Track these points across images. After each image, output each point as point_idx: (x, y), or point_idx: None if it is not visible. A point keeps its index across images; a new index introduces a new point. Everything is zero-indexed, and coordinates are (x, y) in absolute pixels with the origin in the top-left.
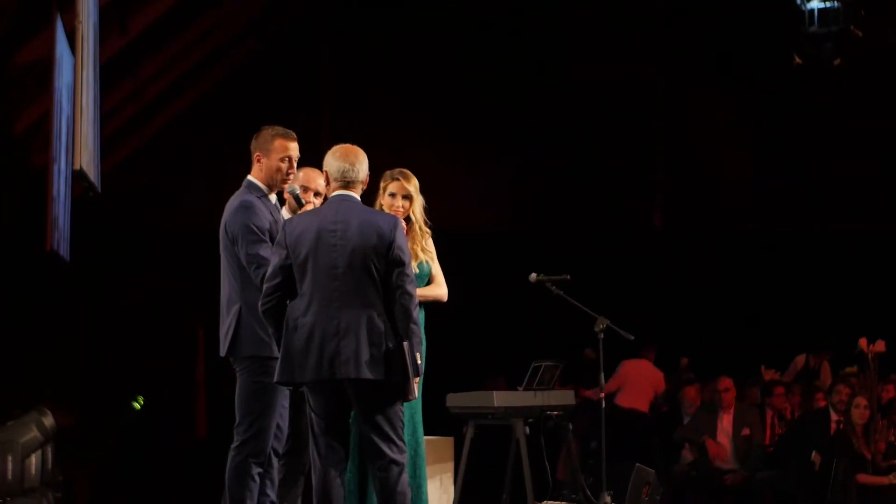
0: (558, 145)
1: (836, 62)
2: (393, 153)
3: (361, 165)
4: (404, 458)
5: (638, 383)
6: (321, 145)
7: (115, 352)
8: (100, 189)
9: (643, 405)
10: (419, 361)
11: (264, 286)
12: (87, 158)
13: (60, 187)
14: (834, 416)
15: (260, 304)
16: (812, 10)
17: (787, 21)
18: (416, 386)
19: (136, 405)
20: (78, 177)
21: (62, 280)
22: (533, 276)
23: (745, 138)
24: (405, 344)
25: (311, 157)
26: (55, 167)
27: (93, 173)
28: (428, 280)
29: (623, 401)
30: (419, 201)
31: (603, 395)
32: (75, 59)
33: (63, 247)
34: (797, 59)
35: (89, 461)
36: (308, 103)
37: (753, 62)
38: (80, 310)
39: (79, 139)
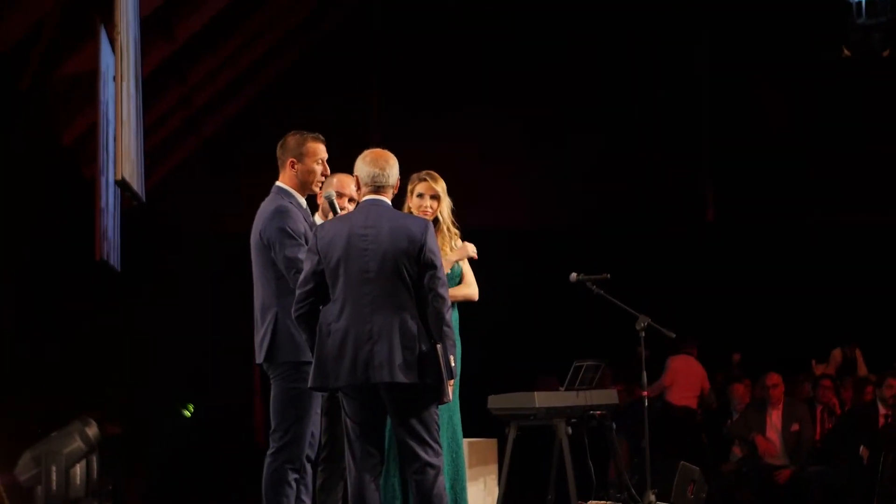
0: (605, 139)
1: (886, 53)
2: (440, 148)
3: (392, 170)
4: (440, 462)
5: (687, 380)
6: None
7: (167, 360)
8: (144, 198)
9: (693, 402)
10: (453, 364)
11: (297, 292)
12: (130, 168)
13: (109, 198)
14: (882, 410)
15: (293, 310)
16: (860, 2)
17: (835, 12)
18: (451, 388)
19: (187, 413)
20: (121, 187)
21: (113, 289)
22: (573, 275)
23: (794, 127)
24: (439, 347)
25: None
26: (103, 179)
27: (136, 183)
28: (458, 281)
29: (674, 398)
30: (447, 202)
31: (646, 393)
32: (116, 70)
33: (113, 257)
34: (846, 51)
35: (140, 469)
36: (358, 104)
37: (802, 53)
38: (131, 318)
39: (120, 149)
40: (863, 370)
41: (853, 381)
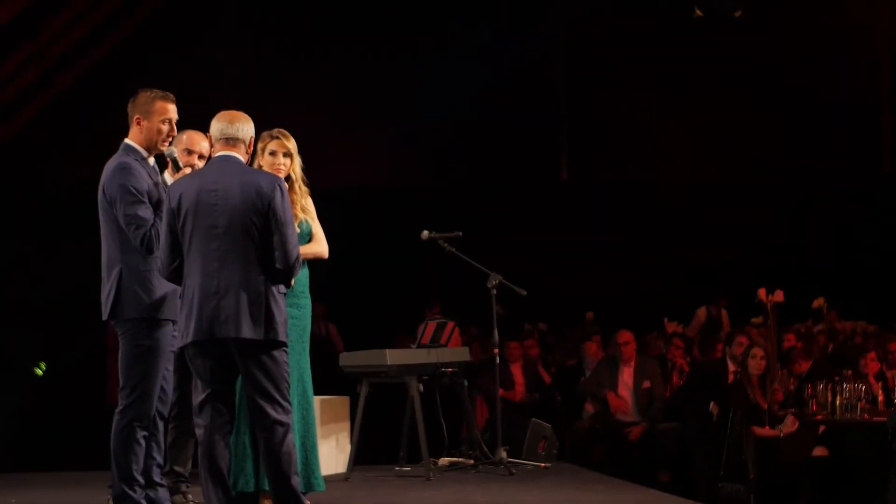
0: (461, 98)
1: (737, 13)
2: (294, 109)
3: (243, 125)
4: (290, 419)
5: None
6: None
7: (19, 318)
8: None
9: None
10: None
11: (161, 255)
12: None
13: None
14: (731, 367)
15: (165, 273)
16: None
17: None
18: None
19: (38, 371)
20: None
21: None
22: (425, 233)
23: (649, 89)
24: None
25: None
26: None
27: None
28: (308, 239)
29: None
30: (298, 161)
31: (496, 351)
32: None
33: None
34: (697, 12)
35: None
36: (213, 63)
37: (654, 15)
38: None
39: None
40: (727, 328)
41: (700, 338)
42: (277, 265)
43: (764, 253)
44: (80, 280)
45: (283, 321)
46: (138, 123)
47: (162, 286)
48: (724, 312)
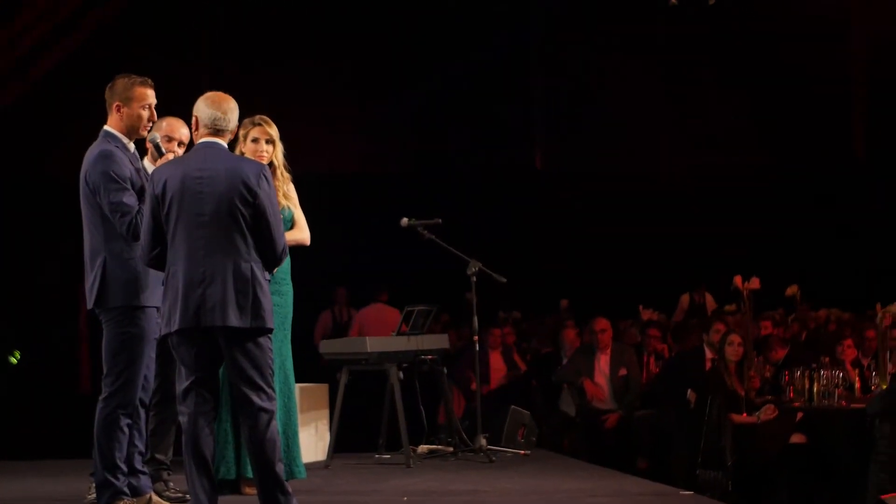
0: (436, 85)
1: (712, 1)
2: (271, 97)
3: (232, 115)
4: (274, 406)
5: (377, 331)
6: (201, 92)
7: None
8: None
9: None
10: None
11: (143, 241)
12: None
13: None
14: (709, 354)
15: (146, 259)
16: None
17: None
18: None
19: (13, 360)
20: None
21: None
22: (404, 220)
23: (623, 77)
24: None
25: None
26: None
27: None
28: (290, 226)
29: None
30: (280, 148)
31: (476, 338)
32: None
33: None
34: (672, 0)
35: None
36: (188, 49)
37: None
38: None
39: None
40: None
41: (673, 326)
42: (263, 254)
43: (737, 240)
44: (55, 270)
45: (270, 309)
46: (118, 110)
47: (146, 273)
48: (708, 297)
